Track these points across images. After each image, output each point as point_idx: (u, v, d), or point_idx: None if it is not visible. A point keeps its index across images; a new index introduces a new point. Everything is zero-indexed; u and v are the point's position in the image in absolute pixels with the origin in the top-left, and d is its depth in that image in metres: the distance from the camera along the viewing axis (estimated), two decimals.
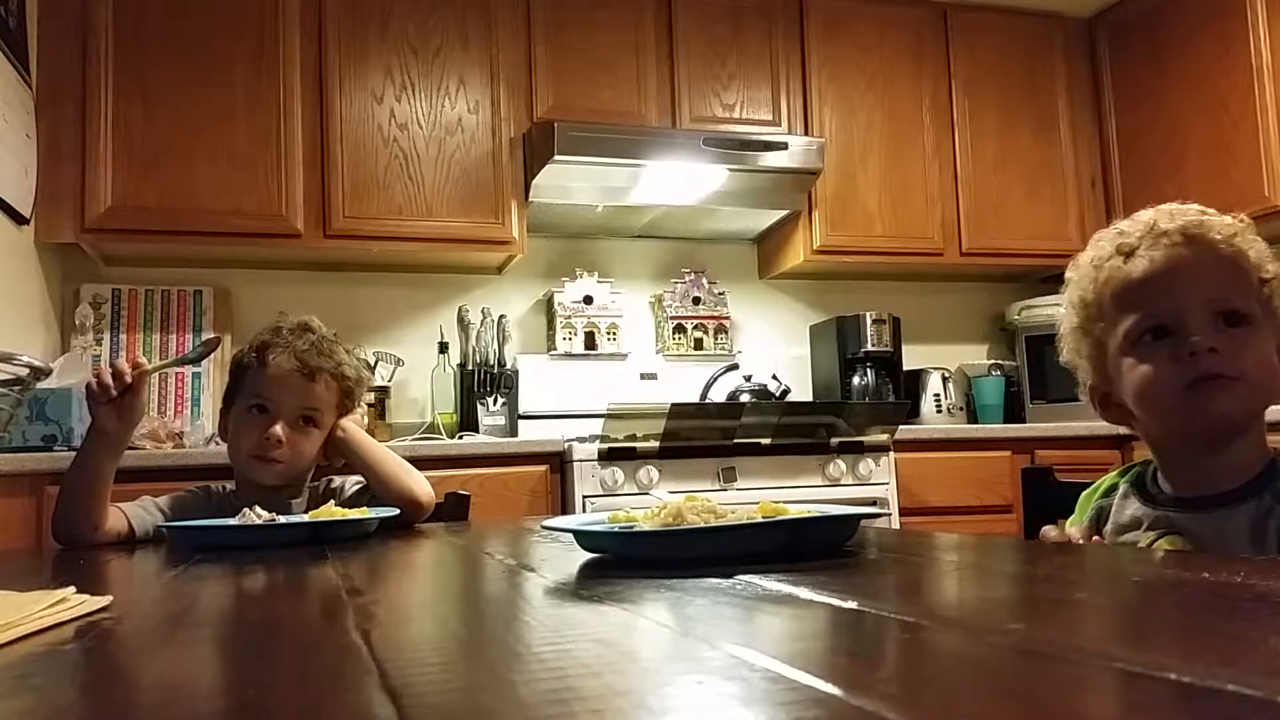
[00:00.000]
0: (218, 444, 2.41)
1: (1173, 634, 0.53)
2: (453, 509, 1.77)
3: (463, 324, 3.15)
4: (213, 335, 1.58)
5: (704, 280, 3.53)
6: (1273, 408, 1.04)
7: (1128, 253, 1.06)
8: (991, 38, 3.56)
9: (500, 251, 3.09)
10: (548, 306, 3.39)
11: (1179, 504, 1.06)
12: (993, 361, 3.60)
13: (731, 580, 0.71)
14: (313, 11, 2.91)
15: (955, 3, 3.53)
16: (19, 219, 2.57)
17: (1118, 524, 1.11)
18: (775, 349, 3.59)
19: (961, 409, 3.48)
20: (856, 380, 3.37)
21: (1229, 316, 1.01)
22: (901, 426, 2.87)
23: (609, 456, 2.60)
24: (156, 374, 1.49)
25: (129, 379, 1.43)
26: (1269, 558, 0.90)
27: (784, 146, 3.13)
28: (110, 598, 0.71)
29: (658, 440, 2.63)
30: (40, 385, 1.91)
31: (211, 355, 1.67)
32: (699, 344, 3.49)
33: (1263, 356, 1.02)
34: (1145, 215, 1.08)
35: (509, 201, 3.02)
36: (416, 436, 3.00)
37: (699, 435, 2.68)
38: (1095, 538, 1.12)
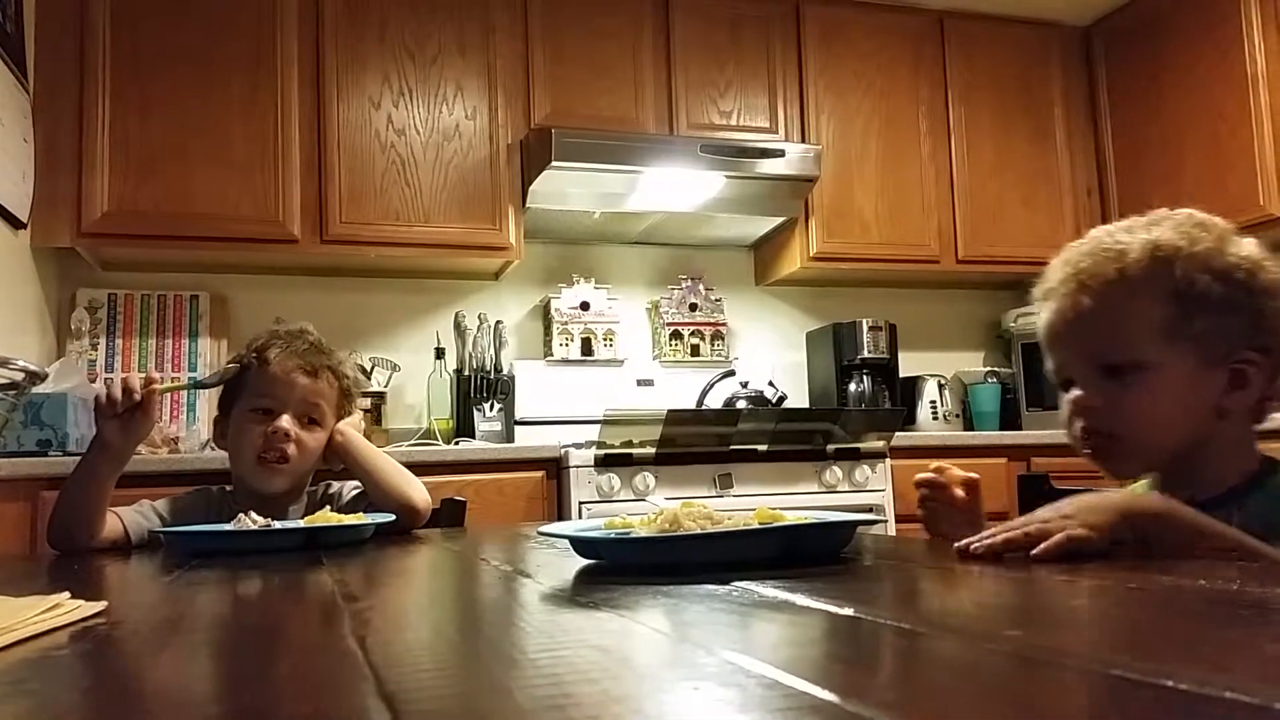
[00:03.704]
0: (213, 449, 2.41)
1: (1170, 641, 0.53)
2: (449, 515, 1.77)
3: (459, 330, 3.15)
4: (233, 363, 1.58)
5: (701, 286, 3.53)
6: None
7: (1043, 297, 1.09)
8: (988, 46, 3.58)
9: (497, 257, 3.09)
10: (544, 312, 3.39)
11: None
12: (989, 369, 3.60)
13: (728, 586, 0.71)
14: (310, 17, 2.92)
15: (952, 11, 3.54)
16: (16, 223, 2.57)
17: None
18: (772, 355, 3.59)
19: (958, 416, 3.48)
20: (853, 387, 3.37)
21: (1110, 369, 1.02)
22: (897, 433, 2.88)
23: (605, 462, 2.60)
24: (169, 391, 1.50)
25: (138, 396, 1.42)
26: (1267, 565, 0.90)
27: (781, 153, 3.14)
28: (105, 603, 0.71)
29: (654, 446, 2.62)
30: (36, 390, 1.91)
31: (218, 384, 1.67)
32: (695, 350, 3.49)
33: (1146, 407, 1.01)
34: (1075, 249, 1.07)
35: (506, 207, 3.02)
36: (413, 442, 3.00)
37: (695, 441, 2.68)
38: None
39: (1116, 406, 1.02)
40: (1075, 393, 1.05)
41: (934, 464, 1.22)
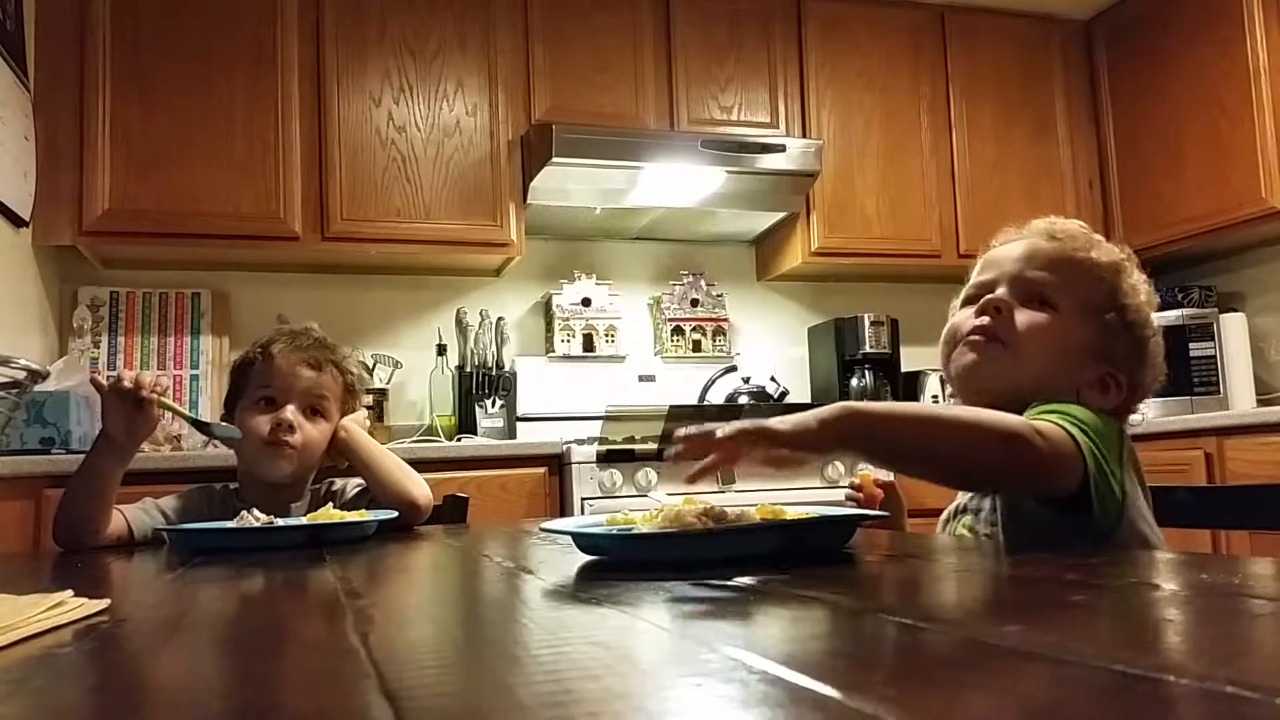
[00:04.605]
0: (215, 447, 2.41)
1: (1170, 636, 0.53)
2: (451, 511, 1.77)
3: (461, 326, 3.15)
4: (238, 436, 1.60)
5: (702, 282, 3.53)
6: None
7: (1002, 241, 1.24)
8: (989, 40, 3.57)
9: (498, 254, 3.09)
10: (546, 308, 3.39)
11: None
12: None
13: (730, 583, 0.71)
14: (311, 14, 2.91)
15: (952, 5, 3.53)
16: (17, 222, 2.57)
17: (944, 517, 1.26)
18: (773, 351, 3.59)
19: None
20: (855, 382, 3.37)
21: (1043, 301, 1.13)
22: None
23: (607, 458, 2.60)
24: (170, 410, 1.53)
25: (144, 393, 1.43)
26: (1271, 560, 0.90)
27: (782, 149, 3.13)
28: (108, 600, 0.71)
29: (656, 442, 2.63)
30: (38, 388, 1.91)
31: (211, 439, 1.69)
32: (697, 346, 3.49)
33: (1044, 336, 1.11)
34: (1059, 221, 1.22)
35: (507, 204, 3.02)
36: (415, 439, 3.00)
37: None
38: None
39: (1025, 322, 1.12)
40: (996, 292, 1.15)
41: (854, 478, 1.44)
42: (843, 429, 0.94)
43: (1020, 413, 1.01)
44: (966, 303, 1.21)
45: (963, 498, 1.23)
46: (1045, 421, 0.96)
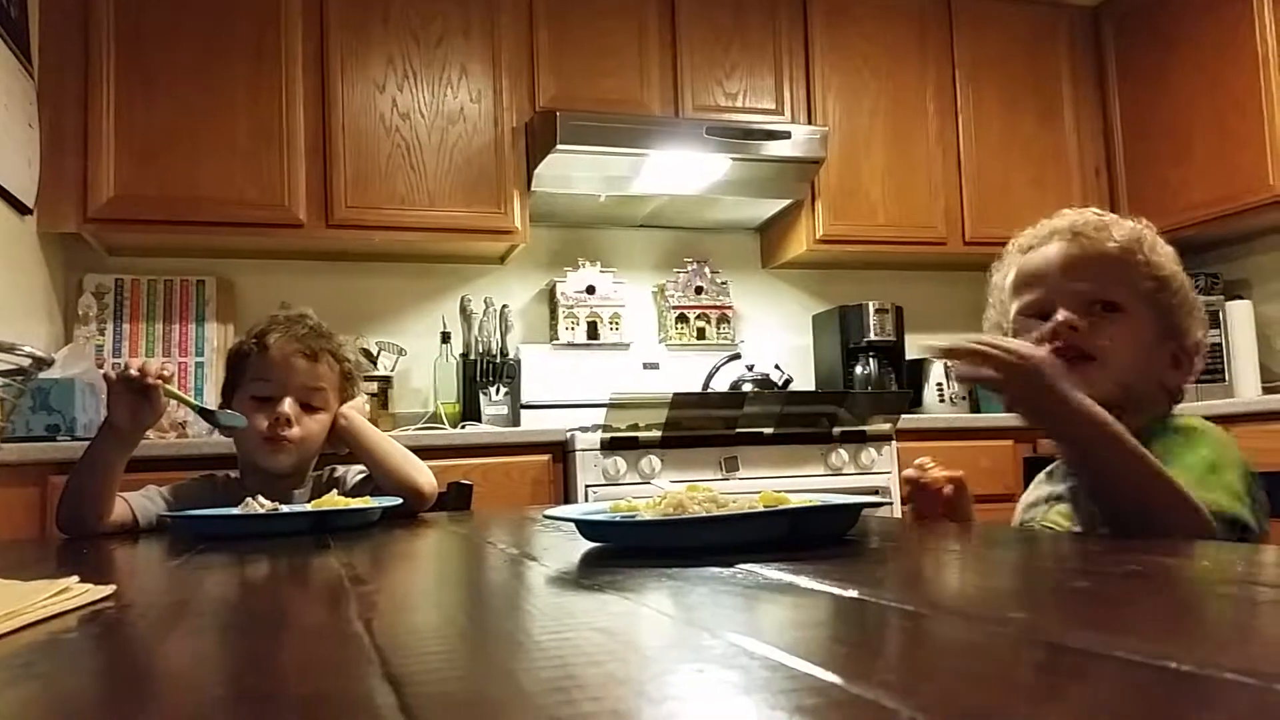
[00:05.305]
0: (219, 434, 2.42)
1: (1172, 623, 0.53)
2: (455, 498, 1.78)
3: (465, 314, 3.15)
4: (244, 424, 1.59)
5: (706, 270, 3.52)
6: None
7: (1027, 249, 1.24)
8: (995, 25, 3.55)
9: (502, 241, 3.09)
10: (550, 296, 3.39)
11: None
12: None
13: (732, 569, 0.71)
14: (314, 0, 2.91)
15: None
16: (22, 209, 2.57)
17: (1027, 503, 1.24)
18: (778, 338, 3.58)
19: (964, 398, 3.47)
20: (859, 370, 3.37)
21: (1105, 305, 1.16)
22: (904, 416, 2.87)
23: (611, 446, 2.60)
24: (175, 398, 1.53)
25: (149, 380, 1.43)
26: (1276, 548, 0.90)
27: (786, 135, 3.12)
28: (113, 587, 0.71)
29: (660, 430, 2.63)
30: (43, 376, 1.91)
31: (217, 428, 1.68)
32: (701, 334, 3.49)
33: (1127, 341, 1.14)
34: (1071, 213, 1.24)
35: (511, 191, 3.01)
36: (419, 426, 3.00)
37: (701, 425, 2.68)
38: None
39: (1099, 331, 1.14)
40: (1061, 314, 1.15)
41: (917, 460, 1.33)
42: (1064, 431, 0.99)
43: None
44: (1025, 320, 1.20)
45: (1058, 486, 1.21)
46: (1204, 501, 0.96)
